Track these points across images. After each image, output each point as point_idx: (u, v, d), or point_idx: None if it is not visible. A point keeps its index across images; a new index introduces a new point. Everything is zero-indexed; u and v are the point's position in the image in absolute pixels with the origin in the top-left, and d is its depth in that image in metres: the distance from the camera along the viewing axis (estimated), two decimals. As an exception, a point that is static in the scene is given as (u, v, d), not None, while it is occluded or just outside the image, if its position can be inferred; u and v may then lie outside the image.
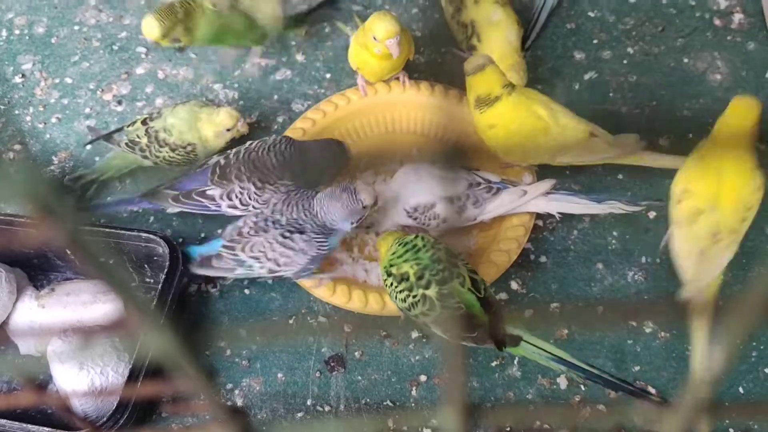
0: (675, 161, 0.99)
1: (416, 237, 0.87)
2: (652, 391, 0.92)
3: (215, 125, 1.03)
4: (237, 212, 0.98)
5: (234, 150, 1.00)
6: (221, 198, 0.97)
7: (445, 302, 0.82)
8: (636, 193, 1.07)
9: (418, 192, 0.97)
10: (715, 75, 1.18)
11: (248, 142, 1.01)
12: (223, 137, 1.05)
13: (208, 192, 0.98)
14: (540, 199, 0.97)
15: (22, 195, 0.23)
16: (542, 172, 1.06)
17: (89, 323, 0.94)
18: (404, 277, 0.84)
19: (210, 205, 0.98)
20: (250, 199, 0.97)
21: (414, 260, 0.84)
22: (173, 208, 1.02)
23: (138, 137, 1.04)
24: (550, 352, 0.85)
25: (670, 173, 1.08)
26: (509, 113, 0.97)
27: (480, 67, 0.97)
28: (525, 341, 0.85)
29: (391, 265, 0.86)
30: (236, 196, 0.97)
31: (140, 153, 1.05)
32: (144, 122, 1.05)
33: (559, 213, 0.99)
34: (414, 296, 0.83)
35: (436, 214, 0.97)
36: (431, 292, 0.82)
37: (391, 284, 0.86)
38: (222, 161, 0.99)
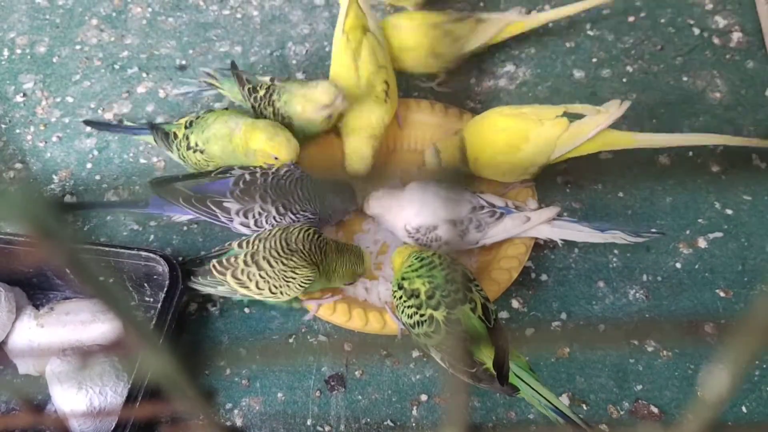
0: (668, 138, 1.03)
1: (434, 254, 0.86)
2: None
3: (311, 101, 1.01)
4: (245, 231, 0.98)
5: (261, 170, 0.99)
6: (236, 213, 0.96)
7: (451, 328, 0.81)
8: (637, 211, 1.07)
9: (421, 212, 0.96)
10: (714, 93, 1.18)
11: (276, 167, 1.00)
12: (320, 113, 1.02)
13: (225, 204, 0.97)
14: (543, 226, 0.97)
15: (22, 214, 0.23)
16: (543, 190, 1.06)
17: (88, 343, 0.94)
18: (415, 294, 0.83)
19: (221, 217, 0.97)
20: (266, 222, 0.96)
21: (427, 277, 0.83)
22: (180, 216, 1.01)
23: (260, 88, 1.06)
24: (549, 401, 0.81)
25: (671, 191, 1.08)
26: (478, 141, 1.01)
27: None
28: (526, 383, 0.82)
29: (404, 279, 0.85)
30: (253, 216, 0.96)
31: (253, 102, 1.06)
32: (272, 80, 1.06)
33: (562, 240, 0.99)
34: (421, 315, 0.82)
35: (438, 236, 0.97)
36: (439, 314, 0.81)
37: (400, 298, 0.85)
38: (248, 177, 0.98)
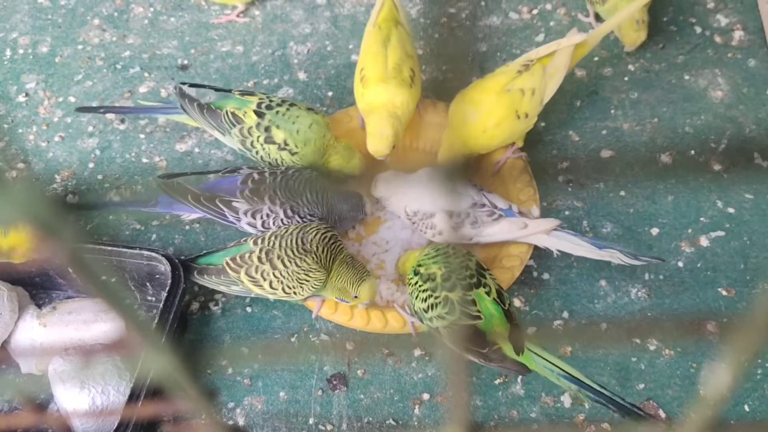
0: None
1: (448, 246, 0.88)
2: (662, 415, 0.91)
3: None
4: (252, 231, 0.98)
5: (270, 169, 0.99)
6: (245, 213, 0.96)
7: (466, 308, 0.82)
8: (639, 210, 1.07)
9: (422, 198, 0.97)
10: (716, 92, 1.18)
11: (284, 166, 1.00)
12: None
13: (234, 203, 0.96)
14: (541, 235, 0.97)
15: (24, 214, 0.23)
16: (545, 189, 1.06)
17: (91, 342, 0.94)
18: (431, 277, 0.85)
19: (229, 216, 0.97)
20: (273, 224, 0.96)
21: (444, 263, 0.85)
22: (188, 214, 1.01)
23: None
24: (562, 369, 0.83)
25: (673, 190, 1.08)
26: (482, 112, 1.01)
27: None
28: (539, 356, 0.84)
29: (420, 265, 0.87)
30: (261, 217, 0.96)
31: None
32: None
33: (559, 250, 0.99)
34: (436, 297, 0.83)
35: (433, 224, 0.98)
36: (455, 295, 0.83)
37: (416, 283, 0.86)
38: (256, 176, 0.97)
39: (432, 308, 0.83)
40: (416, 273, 0.87)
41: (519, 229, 0.96)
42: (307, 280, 0.89)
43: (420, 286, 0.85)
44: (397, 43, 1.05)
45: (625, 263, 0.94)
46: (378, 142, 1.02)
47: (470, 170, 1.05)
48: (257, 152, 1.01)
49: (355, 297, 0.91)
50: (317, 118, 1.01)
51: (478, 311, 0.82)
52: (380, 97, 1.03)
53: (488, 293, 0.83)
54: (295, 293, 0.90)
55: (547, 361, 0.84)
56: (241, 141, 1.01)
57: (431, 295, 0.84)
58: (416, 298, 0.86)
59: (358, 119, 1.11)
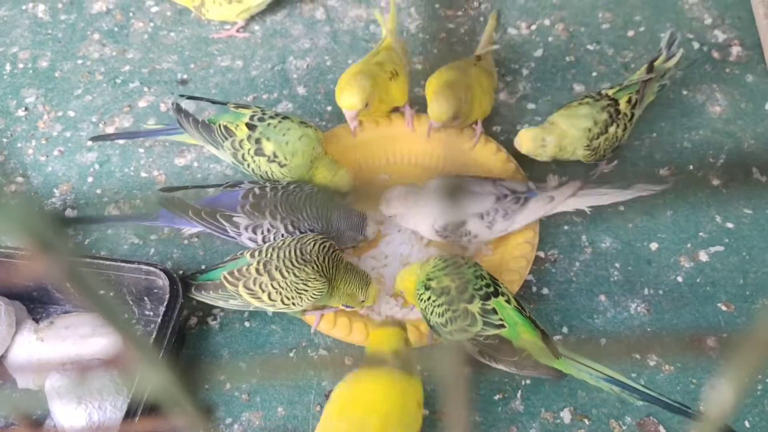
0: None
1: (457, 255, 0.88)
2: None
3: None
4: (253, 245, 0.98)
5: (271, 184, 0.99)
6: (246, 228, 0.96)
7: (488, 318, 0.82)
8: (638, 225, 1.07)
9: (446, 210, 0.97)
10: (714, 107, 1.19)
11: (284, 181, 1.00)
12: None
13: (235, 218, 0.96)
14: (568, 200, 0.98)
15: (22, 228, 0.23)
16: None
17: (88, 357, 0.93)
18: (444, 291, 0.84)
19: (230, 231, 0.97)
20: (274, 239, 0.96)
21: (456, 274, 0.84)
22: (189, 228, 1.01)
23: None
24: (601, 372, 0.83)
25: (672, 205, 1.08)
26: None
27: None
28: (574, 360, 0.84)
29: (430, 279, 0.86)
30: (262, 232, 0.96)
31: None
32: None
33: (590, 207, 0.99)
34: (454, 311, 0.82)
35: (468, 231, 0.98)
36: (474, 307, 0.82)
37: (429, 298, 0.85)
38: (257, 191, 0.97)
39: (451, 322, 0.82)
40: (427, 288, 0.86)
41: (546, 204, 0.97)
42: (306, 290, 0.89)
43: (434, 301, 0.84)
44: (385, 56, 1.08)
45: (656, 192, 0.99)
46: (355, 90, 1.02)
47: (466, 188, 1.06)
48: (248, 165, 1.01)
49: (362, 301, 0.93)
50: (308, 131, 1.01)
51: (501, 320, 0.82)
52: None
53: (508, 302, 0.83)
54: (294, 304, 0.90)
55: (584, 365, 0.83)
56: (233, 154, 1.01)
57: (448, 309, 0.82)
58: (431, 313, 0.85)
59: (344, 139, 1.11)
